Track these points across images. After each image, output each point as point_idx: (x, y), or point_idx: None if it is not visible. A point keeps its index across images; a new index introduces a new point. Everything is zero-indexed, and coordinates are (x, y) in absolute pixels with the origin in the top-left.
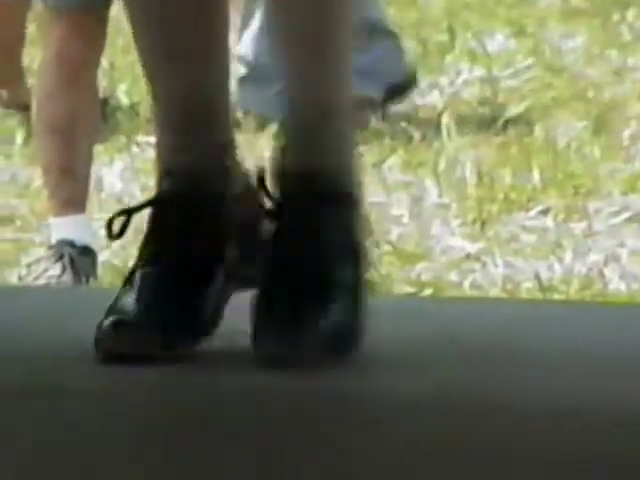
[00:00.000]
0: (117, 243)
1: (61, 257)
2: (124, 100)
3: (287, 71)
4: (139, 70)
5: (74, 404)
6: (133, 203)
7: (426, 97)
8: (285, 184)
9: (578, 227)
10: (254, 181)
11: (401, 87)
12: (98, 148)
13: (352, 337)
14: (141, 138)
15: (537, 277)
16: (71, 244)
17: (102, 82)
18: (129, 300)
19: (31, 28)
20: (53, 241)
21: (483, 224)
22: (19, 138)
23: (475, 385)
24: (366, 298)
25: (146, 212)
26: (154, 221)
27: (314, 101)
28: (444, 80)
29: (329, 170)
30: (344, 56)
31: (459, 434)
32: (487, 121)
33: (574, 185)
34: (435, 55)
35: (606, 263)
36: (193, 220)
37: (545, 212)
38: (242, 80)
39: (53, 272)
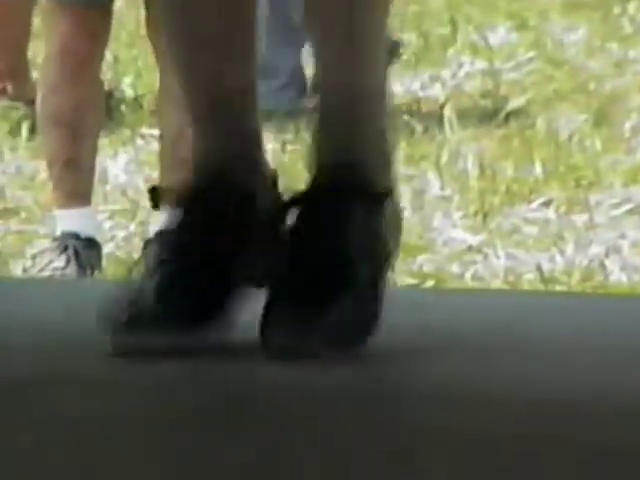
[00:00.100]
0: (121, 235)
1: (66, 249)
2: (128, 93)
3: (320, 56)
4: (143, 63)
5: (78, 394)
6: (138, 195)
7: (428, 90)
8: (317, 176)
9: (579, 219)
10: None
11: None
12: (102, 141)
13: (363, 332)
14: (145, 130)
15: (539, 269)
16: (76, 236)
17: (106, 75)
18: (146, 293)
19: (36, 22)
20: (58, 233)
21: (485, 216)
22: (24, 131)
23: (476, 377)
24: (382, 296)
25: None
26: (181, 215)
27: (347, 85)
28: (446, 73)
29: (362, 161)
30: (377, 40)
31: (460, 426)
32: (489, 114)
33: (575, 177)
34: (437, 48)
35: (607, 255)
36: (218, 216)
37: (547, 204)
38: None
39: (58, 264)
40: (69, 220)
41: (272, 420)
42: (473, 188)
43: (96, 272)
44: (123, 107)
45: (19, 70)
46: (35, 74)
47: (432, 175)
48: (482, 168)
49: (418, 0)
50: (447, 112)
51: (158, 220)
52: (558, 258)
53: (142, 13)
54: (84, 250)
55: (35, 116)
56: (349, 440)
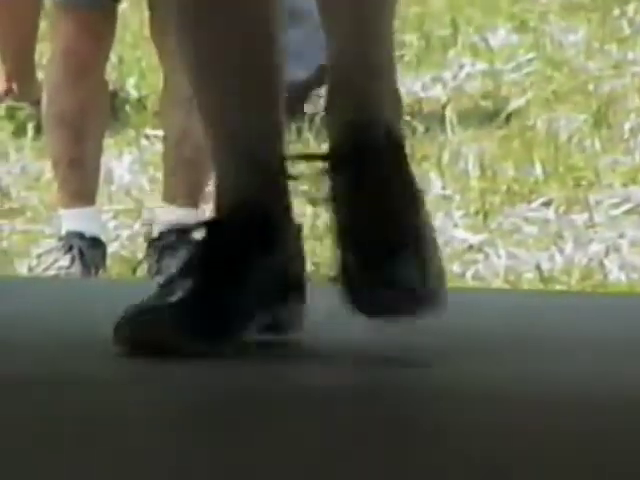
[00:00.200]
0: (125, 235)
1: (70, 248)
2: (133, 94)
3: (334, 36)
4: (147, 64)
5: (81, 392)
6: (142, 195)
7: (429, 91)
8: (340, 135)
9: (579, 219)
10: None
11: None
12: (107, 141)
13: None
14: (150, 131)
15: (539, 268)
16: (80, 236)
17: (111, 76)
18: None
19: (42, 24)
20: (63, 232)
21: (485, 216)
22: (30, 131)
23: (477, 374)
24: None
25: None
26: (207, 240)
27: (360, 62)
28: (447, 74)
29: (381, 116)
30: (387, 20)
31: (460, 423)
32: (490, 114)
33: (575, 177)
34: (438, 49)
35: (607, 254)
36: (247, 245)
37: (547, 204)
38: None
39: (63, 263)
40: (74, 220)
41: (272, 420)
42: (474, 188)
43: (101, 271)
44: (127, 108)
45: (25, 71)
46: (41, 75)
47: (433, 175)
48: (483, 168)
49: (419, 2)
50: (448, 113)
51: (163, 220)
52: (558, 257)
53: (146, 15)
54: (89, 249)
55: (41, 116)
56: (349, 440)
